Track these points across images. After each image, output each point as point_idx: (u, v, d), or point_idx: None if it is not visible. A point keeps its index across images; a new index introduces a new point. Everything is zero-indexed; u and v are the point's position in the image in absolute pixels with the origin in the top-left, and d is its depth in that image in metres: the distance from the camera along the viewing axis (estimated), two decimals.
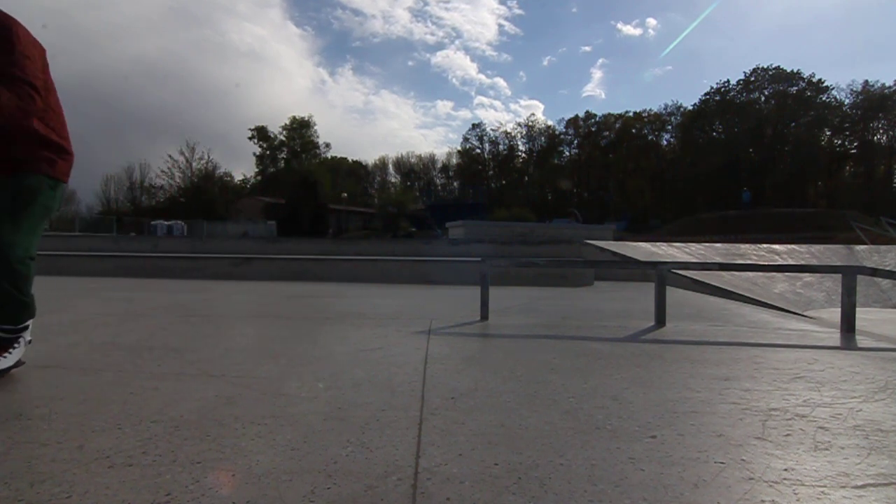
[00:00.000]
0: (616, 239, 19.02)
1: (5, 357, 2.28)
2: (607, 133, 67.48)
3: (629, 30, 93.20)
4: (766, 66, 58.53)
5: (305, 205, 39.65)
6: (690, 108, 63.26)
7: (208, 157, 57.64)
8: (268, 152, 69.43)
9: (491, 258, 5.39)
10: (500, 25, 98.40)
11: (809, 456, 1.57)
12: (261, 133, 68.29)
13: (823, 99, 56.92)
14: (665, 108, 65.37)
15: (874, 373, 2.63)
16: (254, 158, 69.58)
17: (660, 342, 3.46)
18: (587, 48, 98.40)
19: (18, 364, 2.39)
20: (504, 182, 72.07)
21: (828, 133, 57.59)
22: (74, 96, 69.83)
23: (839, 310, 4.15)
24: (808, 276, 11.50)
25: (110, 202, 54.54)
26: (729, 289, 8.30)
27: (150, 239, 18.24)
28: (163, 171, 56.11)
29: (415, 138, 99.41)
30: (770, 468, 1.47)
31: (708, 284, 8.31)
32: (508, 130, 73.74)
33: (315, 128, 70.07)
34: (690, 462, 1.51)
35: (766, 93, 59.33)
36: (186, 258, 9.47)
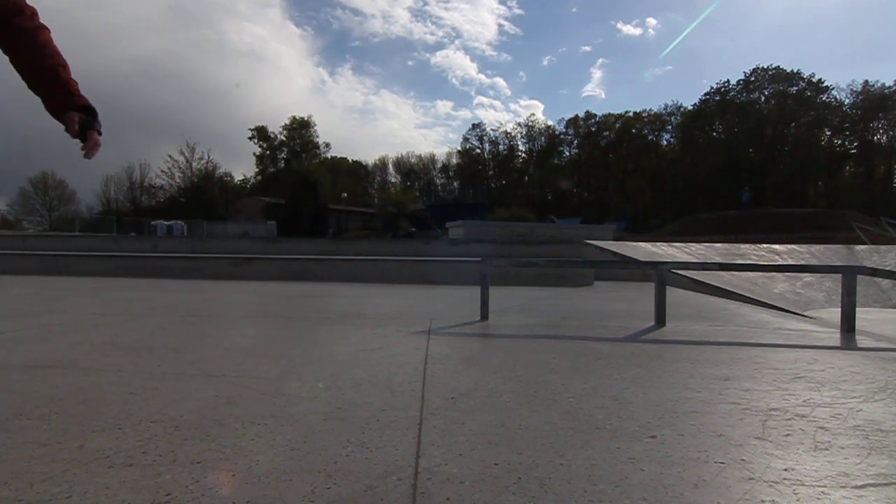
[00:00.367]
0: (616, 239, 19.01)
1: None
2: (607, 133, 67.47)
3: (629, 30, 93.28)
4: (766, 66, 58.60)
5: (305, 205, 39.66)
6: (690, 108, 63.34)
7: (208, 157, 57.66)
8: (268, 152, 69.46)
9: (491, 258, 5.39)
10: (500, 25, 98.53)
11: (809, 456, 1.57)
12: (261, 133, 68.31)
13: (823, 99, 56.95)
14: (665, 108, 65.43)
15: (874, 373, 2.63)
16: (254, 158, 69.66)
17: (660, 342, 3.46)
18: (587, 48, 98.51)
19: None
20: (504, 182, 72.07)
21: (828, 133, 57.61)
22: None
23: (839, 310, 4.15)
24: (808, 276, 11.50)
25: (110, 202, 54.55)
26: (729, 289, 8.30)
27: (150, 239, 18.25)
28: (163, 171, 56.15)
29: (415, 138, 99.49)
30: (770, 468, 1.47)
31: (708, 284, 8.31)
32: (508, 130, 73.82)
33: (315, 128, 70.14)
34: (690, 462, 1.51)
35: (766, 93, 59.36)
36: (186, 258, 9.47)
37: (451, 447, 1.61)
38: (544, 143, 71.21)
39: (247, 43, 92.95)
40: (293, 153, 68.30)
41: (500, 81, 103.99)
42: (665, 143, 66.49)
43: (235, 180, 66.16)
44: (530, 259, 8.92)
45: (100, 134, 1.88)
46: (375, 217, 47.18)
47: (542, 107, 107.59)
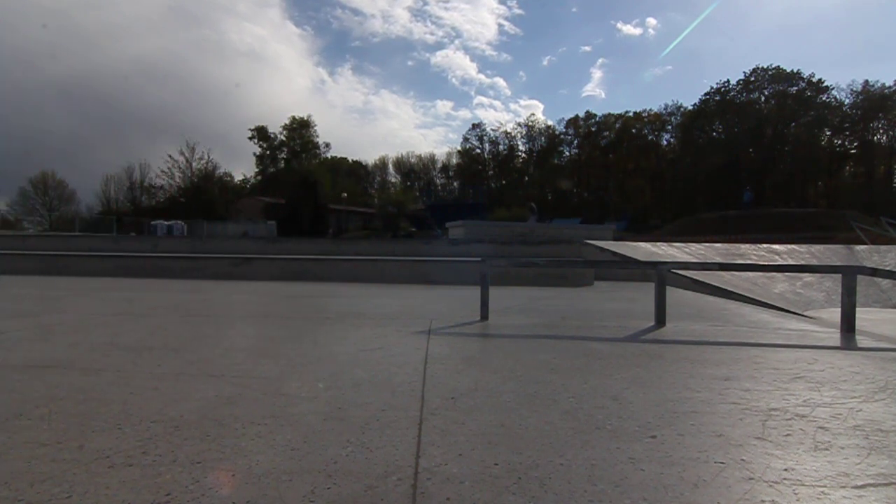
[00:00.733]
0: (616, 239, 19.00)
1: None
2: (607, 133, 67.45)
3: (629, 29, 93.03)
4: (766, 66, 58.54)
5: (305, 205, 39.64)
6: (690, 108, 63.28)
7: (208, 157, 57.60)
8: (268, 152, 69.45)
9: (491, 258, 5.39)
10: (500, 25, 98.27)
11: (809, 456, 1.57)
12: (261, 133, 68.30)
13: (823, 99, 56.91)
14: (665, 108, 65.42)
15: (874, 373, 2.63)
16: (254, 158, 69.64)
17: (660, 342, 3.46)
18: (587, 48, 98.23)
19: None
20: (504, 182, 72.06)
21: (828, 133, 57.58)
22: (74, 96, 69.91)
23: (839, 310, 4.15)
24: (808, 276, 11.50)
25: (110, 202, 54.52)
26: (729, 289, 8.30)
27: (150, 239, 18.26)
28: (163, 171, 56.12)
29: (414, 138, 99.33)
30: (770, 468, 1.47)
31: (708, 284, 8.30)
32: (508, 130, 73.80)
33: (315, 128, 70.13)
34: (690, 462, 1.51)
35: (766, 93, 59.31)
36: (186, 258, 9.47)
37: (451, 447, 1.61)
38: (544, 143, 71.19)
39: (247, 43, 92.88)
40: (293, 153, 68.28)
41: (500, 81, 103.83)
42: (665, 143, 66.52)
43: (235, 180, 66.21)
44: (530, 259, 8.92)
45: None
46: (375, 217, 47.15)
47: (542, 107, 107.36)
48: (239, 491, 1.30)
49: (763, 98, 60.27)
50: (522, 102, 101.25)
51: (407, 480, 1.38)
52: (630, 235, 33.30)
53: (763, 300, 7.87)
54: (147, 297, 5.80)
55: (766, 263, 11.95)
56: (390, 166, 76.02)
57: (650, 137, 67.16)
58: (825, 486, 1.37)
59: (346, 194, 54.44)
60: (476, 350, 3.19)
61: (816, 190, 59.53)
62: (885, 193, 52.62)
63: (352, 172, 72.75)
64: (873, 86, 55.08)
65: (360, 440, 1.65)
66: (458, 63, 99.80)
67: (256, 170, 69.84)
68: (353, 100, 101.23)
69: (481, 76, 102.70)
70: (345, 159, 75.13)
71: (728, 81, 61.00)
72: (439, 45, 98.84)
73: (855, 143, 57.57)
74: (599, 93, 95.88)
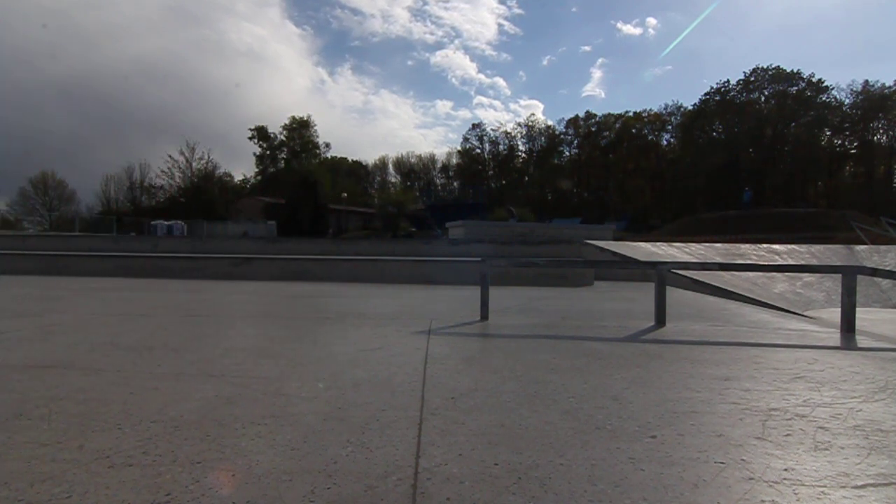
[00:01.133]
0: (616, 239, 19.00)
1: None
2: (607, 133, 67.46)
3: (629, 29, 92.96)
4: (766, 66, 58.54)
5: (305, 205, 39.62)
6: (690, 108, 63.30)
7: (208, 157, 57.60)
8: (268, 152, 69.46)
9: (491, 258, 5.39)
10: (500, 25, 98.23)
11: (809, 456, 1.57)
12: (261, 133, 68.31)
13: (823, 99, 56.90)
14: (665, 108, 65.46)
15: (874, 373, 2.63)
16: (254, 158, 69.66)
17: (660, 342, 3.46)
18: (587, 48, 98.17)
19: None
20: (504, 182, 72.07)
21: (828, 133, 57.58)
22: (74, 96, 69.88)
23: (839, 310, 4.16)
24: (808, 276, 11.50)
25: (110, 202, 54.51)
26: (729, 289, 8.30)
27: (150, 239, 18.26)
28: (163, 171, 56.12)
29: (414, 138, 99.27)
30: (770, 468, 1.47)
31: (708, 284, 8.30)
32: (508, 130, 73.83)
33: (315, 128, 70.14)
34: (690, 462, 1.51)
35: (766, 93, 59.32)
36: (186, 258, 9.47)
37: (451, 447, 1.61)
38: (544, 143, 71.19)
39: (246, 43, 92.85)
40: (293, 153, 68.29)
41: (500, 81, 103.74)
42: (665, 143, 66.52)
43: (235, 180, 66.21)
44: (530, 259, 8.92)
45: None
46: (375, 217, 47.16)
47: (542, 107, 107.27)
48: (239, 491, 1.30)
49: (763, 98, 60.26)
50: (522, 102, 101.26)
51: (407, 480, 1.38)
52: (630, 235, 33.30)
53: (763, 300, 7.87)
54: (147, 297, 5.80)
55: (766, 263, 11.94)
56: (390, 166, 76.05)
57: (650, 137, 67.16)
58: (825, 486, 1.37)
59: (346, 194, 54.43)
60: (476, 350, 3.19)
61: (816, 190, 59.52)
62: (885, 193, 52.61)
63: (352, 172, 72.75)
64: (873, 86, 55.11)
65: (360, 440, 1.65)
66: (458, 63, 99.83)
67: (256, 170, 69.86)
68: (353, 100, 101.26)
69: (481, 76, 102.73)
70: (345, 159, 75.14)
71: (728, 81, 61.02)
72: (439, 45, 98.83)
73: (855, 143, 57.57)
74: (599, 93, 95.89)
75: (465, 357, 2.92)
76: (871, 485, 1.38)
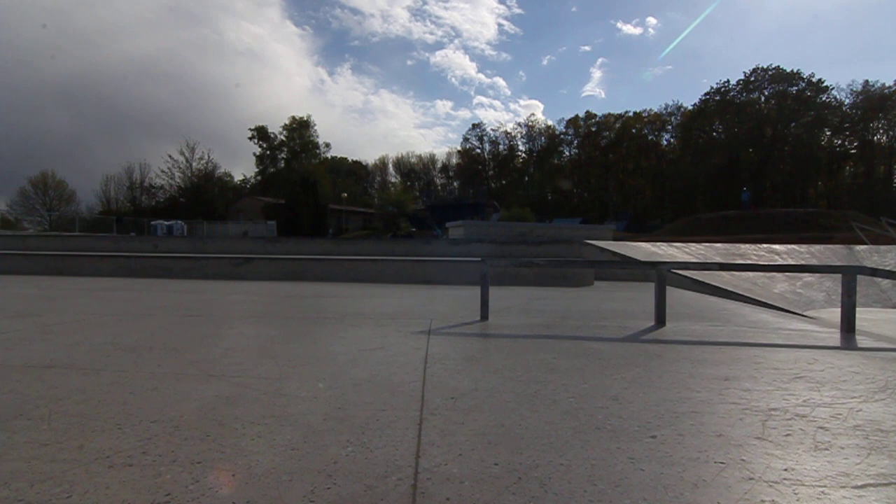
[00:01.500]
0: (616, 239, 19.00)
1: None
2: (607, 133, 67.47)
3: (629, 29, 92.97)
4: (766, 66, 58.53)
5: (305, 205, 39.63)
6: (690, 108, 63.34)
7: (208, 157, 57.67)
8: (268, 152, 69.48)
9: (491, 258, 5.39)
10: (500, 25, 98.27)
11: (809, 456, 1.57)
12: (260, 133, 68.33)
13: (823, 99, 56.90)
14: (665, 108, 65.49)
15: (874, 373, 2.63)
16: (254, 158, 69.68)
17: (660, 342, 3.46)
18: (587, 47, 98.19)
19: None
20: (504, 182, 72.09)
21: (828, 133, 57.56)
22: (74, 96, 69.90)
23: (839, 310, 4.15)
24: (808, 276, 11.50)
25: (110, 202, 54.53)
26: (729, 289, 8.29)
27: (150, 239, 18.25)
28: (163, 171, 56.16)
29: (414, 138, 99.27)
30: (770, 468, 1.47)
31: (708, 284, 8.30)
32: (508, 130, 73.86)
33: (315, 128, 70.20)
34: (690, 462, 1.51)
35: (766, 93, 59.32)
36: (186, 258, 9.47)
37: (451, 447, 1.61)
38: (544, 143, 71.21)
39: (246, 42, 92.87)
40: (293, 153, 68.33)
41: (500, 81, 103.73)
42: (665, 143, 66.52)
43: (235, 180, 66.30)
44: (530, 259, 8.92)
45: None
46: (375, 217, 47.19)
47: (541, 106, 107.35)
48: (239, 491, 1.30)
49: (763, 98, 60.26)
50: (522, 102, 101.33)
51: (407, 480, 1.38)
52: (630, 235, 33.30)
53: (763, 300, 7.87)
54: (147, 297, 5.80)
55: (766, 263, 11.94)
56: (390, 166, 76.07)
57: (650, 137, 67.15)
58: (825, 486, 1.37)
59: (346, 194, 54.41)
60: (476, 350, 3.19)
61: (816, 190, 59.51)
62: (885, 193, 52.60)
63: (352, 172, 72.74)
64: (873, 86, 55.11)
65: (360, 440, 1.65)
66: (458, 63, 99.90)
67: (256, 170, 69.92)
68: (353, 99, 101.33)
69: (481, 76, 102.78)
70: (345, 159, 75.15)
71: (728, 81, 61.03)
72: (439, 45, 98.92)
73: (855, 143, 57.55)
74: (599, 92, 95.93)
75: (465, 357, 2.92)
76: (871, 485, 1.38)
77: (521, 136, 73.46)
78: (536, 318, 4.53)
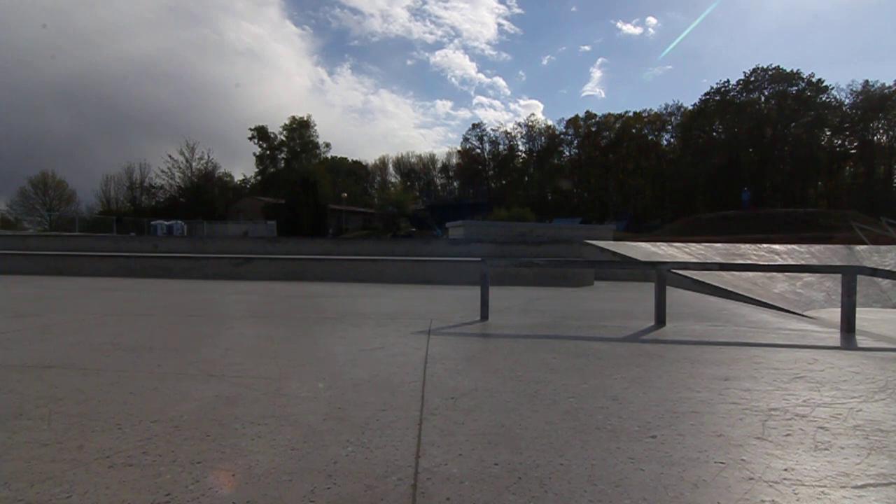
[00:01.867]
0: (616, 239, 19.00)
1: None
2: (607, 133, 67.46)
3: (629, 29, 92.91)
4: (766, 66, 58.49)
5: (305, 205, 39.64)
6: (690, 108, 63.31)
7: (208, 157, 57.65)
8: (268, 152, 69.47)
9: (491, 258, 5.39)
10: (500, 24, 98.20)
11: (809, 456, 1.57)
12: (260, 133, 68.33)
13: (823, 99, 56.87)
14: (665, 108, 65.48)
15: (874, 373, 2.63)
16: (254, 158, 69.69)
17: (660, 342, 3.45)
18: (587, 47, 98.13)
19: None
20: (504, 182, 72.08)
21: (828, 133, 57.54)
22: (74, 96, 69.91)
23: (839, 310, 4.15)
24: (808, 276, 11.50)
25: (110, 202, 54.52)
26: (729, 289, 8.29)
27: (150, 239, 18.26)
28: (163, 171, 56.16)
29: (414, 138, 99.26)
30: (770, 468, 1.47)
31: (708, 284, 8.30)
32: (508, 130, 73.84)
33: (315, 128, 70.20)
34: (690, 462, 1.51)
35: (766, 93, 59.29)
36: (186, 258, 9.47)
37: (451, 447, 1.61)
38: (544, 143, 71.18)
39: (245, 42, 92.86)
40: (293, 153, 68.33)
41: (500, 81, 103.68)
42: (665, 143, 66.52)
43: (235, 180, 66.30)
44: (530, 259, 8.92)
45: None
46: (375, 217, 47.20)
47: (541, 106, 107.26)
48: (239, 491, 1.30)
49: (763, 98, 60.24)
50: (522, 102, 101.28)
51: (407, 480, 1.38)
52: (630, 235, 33.31)
53: (763, 300, 7.87)
54: (147, 297, 5.80)
55: (766, 263, 11.94)
56: (390, 166, 76.06)
57: (650, 137, 67.14)
58: (825, 486, 1.37)
59: (346, 194, 54.41)
60: (476, 350, 3.19)
61: (816, 190, 59.50)
62: (885, 193, 52.59)
63: (352, 172, 72.73)
64: (873, 86, 55.10)
65: (360, 440, 1.65)
66: (458, 62, 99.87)
67: (256, 170, 69.91)
68: (353, 99, 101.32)
69: (481, 76, 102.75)
70: (345, 159, 75.15)
71: (728, 81, 61.00)
72: (438, 45, 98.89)
73: (855, 143, 57.53)
74: (599, 92, 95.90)
75: (465, 357, 2.92)
76: (871, 485, 1.38)
77: (521, 136, 73.47)
78: (536, 318, 4.53)
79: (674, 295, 6.37)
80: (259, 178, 69.04)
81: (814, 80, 56.97)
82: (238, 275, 8.63)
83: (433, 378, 2.43)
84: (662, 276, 4.25)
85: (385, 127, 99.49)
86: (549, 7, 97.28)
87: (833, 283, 10.84)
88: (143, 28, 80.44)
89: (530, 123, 73.45)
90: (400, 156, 76.33)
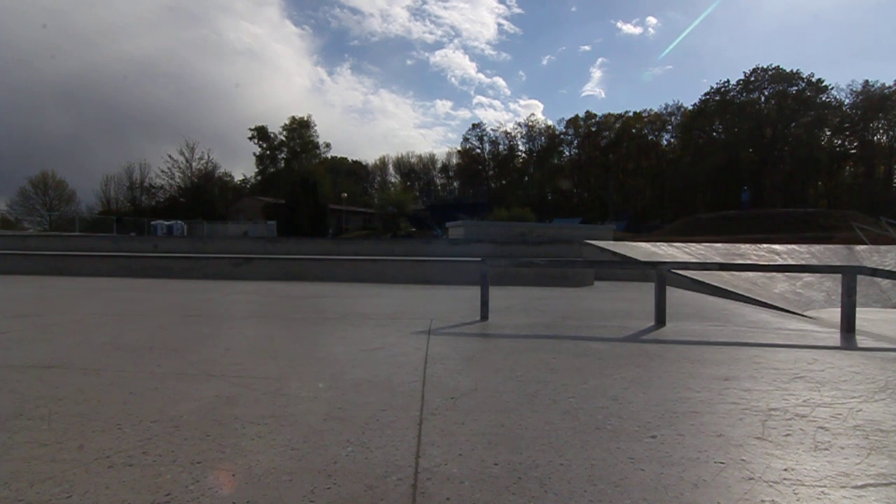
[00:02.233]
0: (616, 239, 19.00)
1: None
2: (607, 133, 67.44)
3: (629, 29, 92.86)
4: (766, 66, 58.48)
5: (305, 205, 39.64)
6: (690, 108, 63.30)
7: (208, 157, 57.65)
8: (268, 152, 69.47)
9: (491, 258, 5.39)
10: (500, 24, 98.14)
11: (809, 456, 1.57)
12: (260, 133, 68.32)
13: (823, 99, 56.85)
14: (665, 108, 65.48)
15: (874, 373, 2.63)
16: (254, 158, 69.69)
17: (660, 342, 3.45)
18: (587, 47, 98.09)
19: None
20: (504, 182, 72.08)
21: (828, 133, 57.52)
22: (74, 96, 69.91)
23: (839, 310, 4.15)
24: (808, 276, 11.50)
25: (110, 202, 54.51)
26: (729, 289, 8.29)
27: (150, 239, 18.26)
28: (163, 171, 56.16)
29: (414, 138, 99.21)
30: (770, 468, 1.47)
31: (708, 284, 8.30)
32: (508, 130, 73.83)
33: (315, 128, 70.19)
34: (690, 462, 1.51)
35: (766, 93, 59.27)
36: (186, 258, 9.47)
37: (451, 447, 1.61)
38: (544, 143, 71.17)
39: (245, 42, 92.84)
40: (293, 153, 68.33)
41: (500, 81, 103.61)
42: (665, 143, 66.51)
43: (235, 180, 66.30)
44: (530, 259, 8.92)
45: None
46: (375, 217, 47.21)
47: (541, 106, 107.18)
48: (239, 491, 1.30)
49: (763, 98, 60.23)
50: (522, 102, 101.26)
51: (407, 480, 1.38)
52: (630, 235, 33.32)
53: (763, 300, 7.87)
54: (147, 297, 5.80)
55: (766, 263, 11.94)
56: (390, 166, 76.06)
57: (650, 137, 67.13)
58: (825, 486, 1.37)
59: (346, 194, 54.39)
60: (476, 350, 3.19)
61: (816, 190, 59.50)
62: (885, 193, 52.57)
63: (352, 172, 72.73)
64: (873, 86, 55.09)
65: (360, 440, 1.65)
66: (458, 62, 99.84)
67: (256, 170, 69.90)
68: (353, 99, 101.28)
69: (481, 76, 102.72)
70: (345, 159, 75.15)
71: (728, 81, 60.97)
72: (438, 45, 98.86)
73: (855, 143, 57.53)
74: (599, 92, 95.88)
75: (465, 357, 2.92)
76: (871, 485, 1.38)
77: (521, 136, 73.46)
78: (536, 318, 4.53)
79: (674, 295, 6.37)
80: (259, 178, 69.04)
81: (814, 80, 56.97)
82: (238, 275, 8.63)
83: (433, 378, 2.43)
84: (662, 276, 4.25)
85: (385, 127, 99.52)
86: (549, 7, 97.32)
87: (833, 283, 10.84)
88: (142, 28, 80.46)
89: (530, 123, 73.46)
90: (400, 156, 76.33)
